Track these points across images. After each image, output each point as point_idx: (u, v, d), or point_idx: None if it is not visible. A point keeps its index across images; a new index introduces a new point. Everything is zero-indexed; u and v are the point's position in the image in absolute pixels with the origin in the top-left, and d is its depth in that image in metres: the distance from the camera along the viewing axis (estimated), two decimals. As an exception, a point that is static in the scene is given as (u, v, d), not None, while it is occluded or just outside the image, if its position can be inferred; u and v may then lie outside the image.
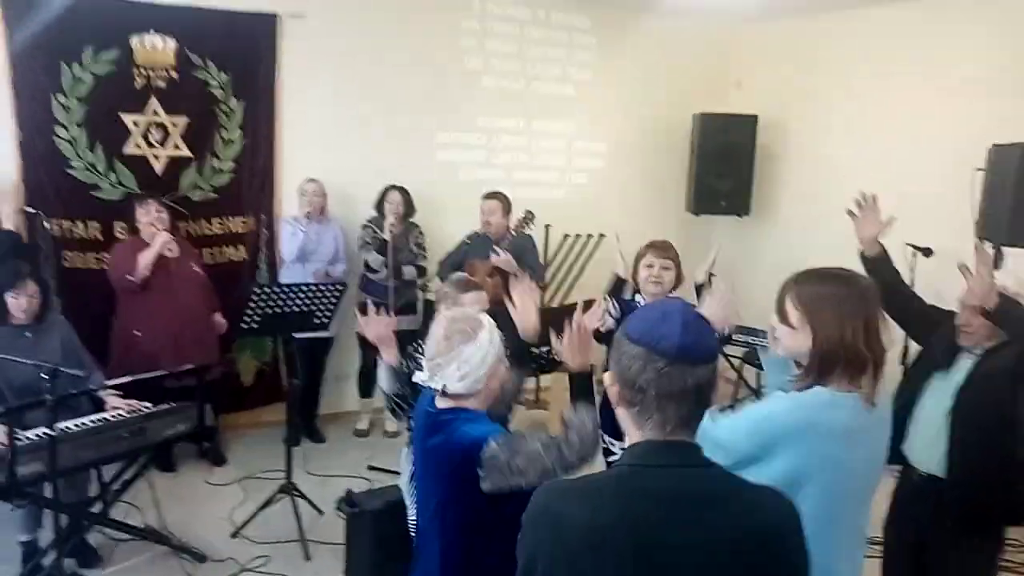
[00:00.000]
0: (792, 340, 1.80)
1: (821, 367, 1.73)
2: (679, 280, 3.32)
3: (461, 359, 1.97)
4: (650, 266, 3.26)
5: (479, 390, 2.02)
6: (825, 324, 1.72)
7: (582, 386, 2.10)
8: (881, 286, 2.75)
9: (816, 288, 1.77)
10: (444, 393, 2.01)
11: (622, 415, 1.32)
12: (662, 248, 3.30)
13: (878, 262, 2.66)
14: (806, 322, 1.75)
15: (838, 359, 1.71)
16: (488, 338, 2.02)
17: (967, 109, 4.79)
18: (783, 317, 1.81)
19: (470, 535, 2.00)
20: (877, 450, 1.84)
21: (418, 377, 2.06)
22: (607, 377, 1.34)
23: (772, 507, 1.29)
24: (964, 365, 2.52)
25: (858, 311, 1.72)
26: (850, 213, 2.64)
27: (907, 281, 2.99)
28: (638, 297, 3.36)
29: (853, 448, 1.73)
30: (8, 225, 4.29)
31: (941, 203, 4.64)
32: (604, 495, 1.25)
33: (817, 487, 1.69)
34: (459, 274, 4.57)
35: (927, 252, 4.77)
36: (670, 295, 3.29)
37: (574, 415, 2.03)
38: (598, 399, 2.02)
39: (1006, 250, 4.01)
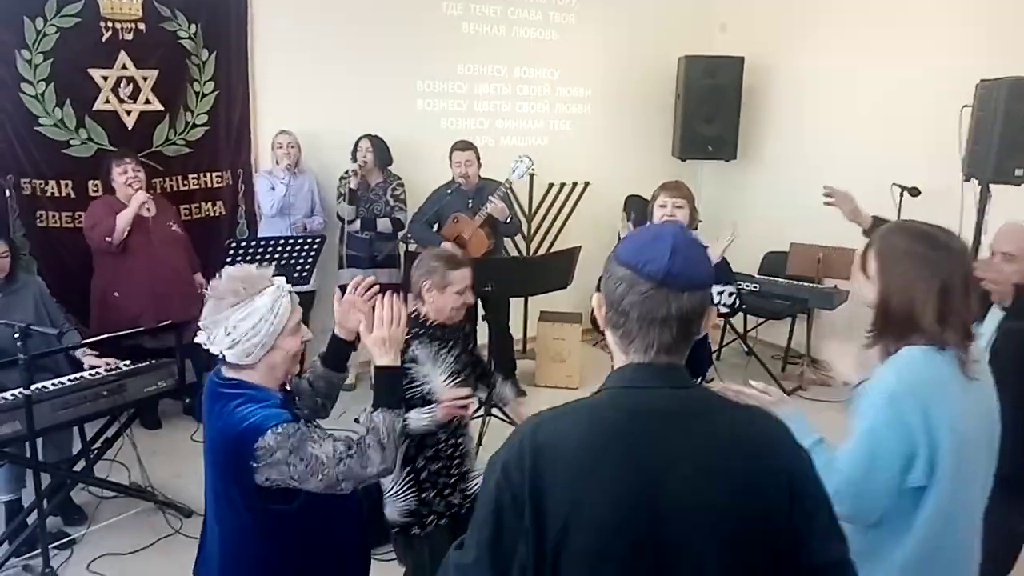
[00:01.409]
0: (866, 289, 1.74)
1: (884, 325, 1.67)
2: (693, 218, 3.29)
3: (228, 324, 1.76)
4: (663, 206, 3.24)
5: (256, 363, 1.81)
6: (892, 280, 1.65)
7: (388, 385, 1.94)
8: None
9: (898, 242, 1.68)
10: (225, 360, 1.82)
11: (608, 337, 1.31)
12: (674, 187, 3.28)
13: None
14: (878, 274, 1.68)
15: (897, 319, 1.65)
16: (268, 305, 1.78)
17: (954, 46, 4.69)
18: (864, 264, 1.74)
19: (245, 525, 1.82)
20: (991, 417, 1.72)
21: (199, 338, 1.83)
22: (595, 299, 1.32)
23: (761, 420, 1.29)
24: (995, 317, 2.46)
25: (935, 274, 1.61)
26: (827, 204, 3.00)
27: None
28: None
29: (965, 404, 1.62)
30: None
31: (928, 142, 4.57)
32: (595, 417, 1.24)
33: (946, 462, 1.57)
34: (446, 247, 3.85)
35: (914, 192, 4.73)
36: None
37: (374, 421, 1.86)
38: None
39: (993, 187, 3.97)
